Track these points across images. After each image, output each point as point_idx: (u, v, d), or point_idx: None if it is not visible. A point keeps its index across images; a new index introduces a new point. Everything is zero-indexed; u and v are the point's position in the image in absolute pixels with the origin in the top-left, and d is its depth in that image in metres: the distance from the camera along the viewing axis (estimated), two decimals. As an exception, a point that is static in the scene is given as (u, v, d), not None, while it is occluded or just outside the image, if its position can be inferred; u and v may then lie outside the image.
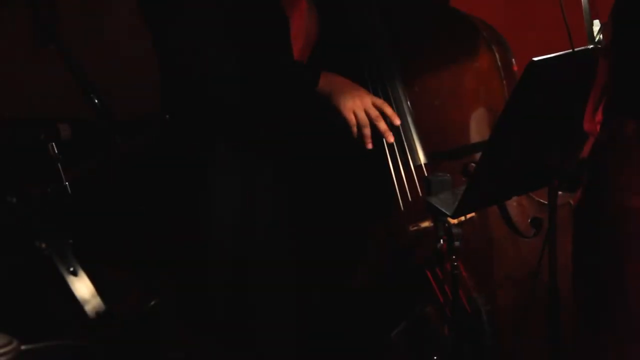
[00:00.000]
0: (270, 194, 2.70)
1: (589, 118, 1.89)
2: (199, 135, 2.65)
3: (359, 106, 2.65)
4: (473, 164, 2.72)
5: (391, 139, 2.70)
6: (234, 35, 2.59)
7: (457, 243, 2.42)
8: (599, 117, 1.86)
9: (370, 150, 2.70)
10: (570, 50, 2.06)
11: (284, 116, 2.69)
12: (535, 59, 2.01)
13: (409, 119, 2.78)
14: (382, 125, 2.67)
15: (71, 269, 2.08)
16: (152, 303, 2.52)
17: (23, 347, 1.95)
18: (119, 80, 3.23)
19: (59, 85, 2.84)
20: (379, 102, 2.68)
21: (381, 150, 2.76)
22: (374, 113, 2.66)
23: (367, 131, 2.66)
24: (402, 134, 2.77)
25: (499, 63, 2.78)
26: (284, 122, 2.71)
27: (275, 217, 2.71)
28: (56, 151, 2.42)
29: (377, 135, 2.71)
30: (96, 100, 2.48)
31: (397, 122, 2.69)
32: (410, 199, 2.78)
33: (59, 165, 2.41)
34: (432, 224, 2.56)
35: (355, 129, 2.65)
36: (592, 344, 1.84)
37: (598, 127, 1.86)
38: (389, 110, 2.68)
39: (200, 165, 2.65)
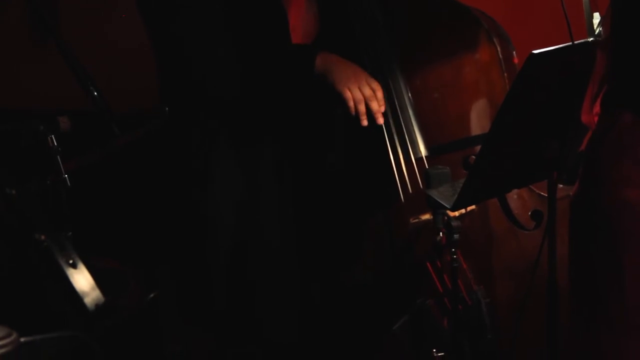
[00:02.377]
0: (270, 186, 2.70)
1: (586, 110, 1.89)
2: (198, 127, 2.65)
3: (353, 82, 2.66)
4: (473, 157, 2.72)
5: (380, 121, 2.71)
6: (233, 30, 2.58)
7: (456, 236, 2.42)
8: (596, 109, 1.85)
9: (371, 143, 2.70)
10: (570, 43, 2.06)
11: (284, 105, 2.69)
12: (535, 51, 2.01)
13: (410, 111, 2.78)
14: (374, 105, 2.68)
15: (70, 261, 2.07)
16: (152, 295, 2.52)
17: (22, 339, 1.95)
18: (118, 72, 3.23)
19: (58, 77, 2.84)
20: (373, 82, 2.68)
21: (382, 142, 2.76)
22: (367, 92, 2.67)
23: (362, 107, 2.67)
24: (403, 126, 2.77)
25: (500, 55, 2.77)
26: (284, 115, 2.71)
27: (276, 209, 2.71)
28: (55, 143, 2.42)
29: (378, 128, 2.71)
30: (95, 93, 2.48)
31: (382, 108, 2.70)
32: (410, 192, 2.77)
33: (58, 157, 2.41)
34: (432, 217, 2.56)
35: (351, 103, 2.66)
36: (588, 337, 1.83)
37: (596, 119, 1.86)
38: (379, 94, 2.69)
39: (200, 158, 2.65)
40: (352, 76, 2.66)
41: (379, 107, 2.68)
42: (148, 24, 2.64)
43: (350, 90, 2.65)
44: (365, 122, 2.68)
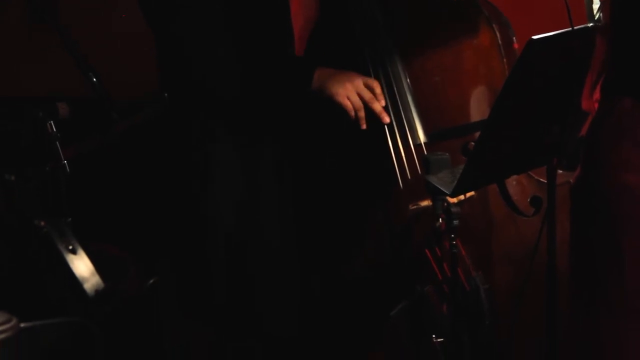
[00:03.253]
0: (270, 186, 2.71)
1: (586, 96, 1.89)
2: (198, 127, 2.66)
3: (351, 90, 2.65)
4: (472, 143, 2.72)
5: (387, 120, 2.71)
6: (233, 30, 2.59)
7: (455, 222, 2.43)
8: (596, 94, 1.85)
9: (370, 130, 2.70)
10: (570, 29, 2.06)
11: (283, 105, 2.70)
12: (535, 37, 2.01)
13: (409, 98, 2.78)
14: (377, 107, 2.68)
15: (70, 247, 2.08)
16: (151, 281, 2.53)
17: (22, 325, 1.95)
18: (117, 59, 3.23)
19: (58, 63, 2.84)
20: (370, 82, 2.68)
21: (381, 130, 2.76)
22: (367, 95, 2.67)
23: (362, 114, 2.67)
24: (402, 112, 2.77)
25: (500, 41, 2.77)
26: (284, 115, 2.71)
27: (276, 209, 2.72)
28: (54, 129, 2.42)
29: (375, 116, 2.71)
30: (94, 79, 2.48)
31: (382, 102, 2.69)
32: (409, 178, 2.78)
33: (58, 143, 2.42)
34: (431, 203, 2.56)
35: (352, 113, 2.66)
36: (588, 322, 1.84)
37: (596, 105, 1.86)
38: (377, 90, 2.69)
39: (200, 152, 2.65)
40: (348, 83, 2.65)
41: (380, 107, 2.68)
42: (149, 24, 2.65)
43: (349, 98, 2.65)
44: (364, 126, 2.68)
